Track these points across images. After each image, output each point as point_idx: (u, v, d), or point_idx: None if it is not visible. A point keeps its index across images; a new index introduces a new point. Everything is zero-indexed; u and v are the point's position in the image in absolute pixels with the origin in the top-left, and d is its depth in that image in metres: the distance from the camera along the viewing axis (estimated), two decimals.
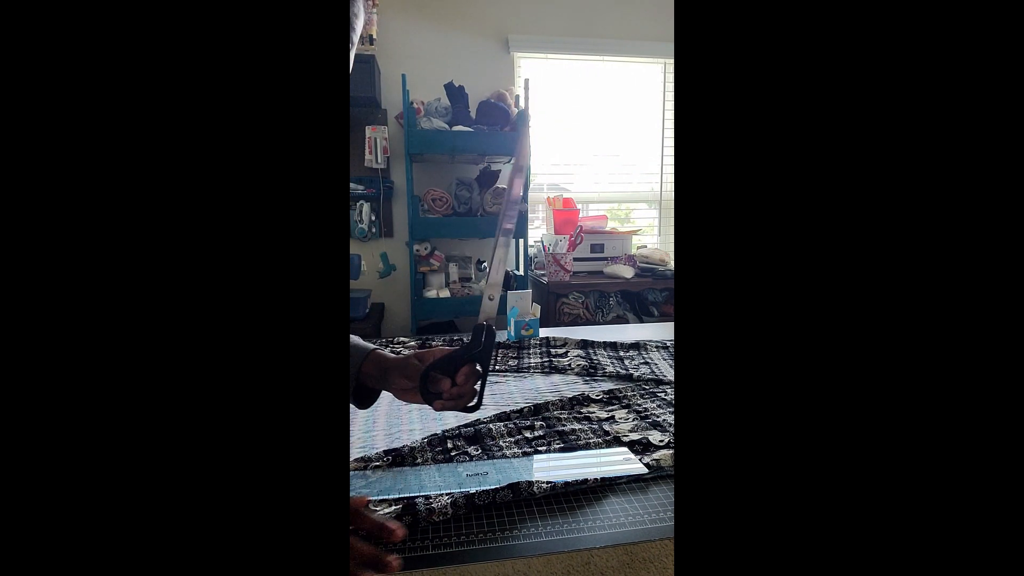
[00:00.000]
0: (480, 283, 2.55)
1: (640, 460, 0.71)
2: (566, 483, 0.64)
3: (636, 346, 1.29)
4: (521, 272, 2.58)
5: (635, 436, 0.78)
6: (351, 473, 0.66)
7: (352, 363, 0.71)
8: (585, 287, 2.59)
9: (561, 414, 0.88)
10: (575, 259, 2.64)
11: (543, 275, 2.67)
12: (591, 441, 0.78)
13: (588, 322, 2.52)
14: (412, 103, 2.34)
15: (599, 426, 0.83)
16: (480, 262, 2.70)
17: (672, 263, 2.83)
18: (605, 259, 2.74)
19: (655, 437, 0.77)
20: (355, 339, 0.74)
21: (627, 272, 2.62)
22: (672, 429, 0.81)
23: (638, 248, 2.85)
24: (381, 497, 0.60)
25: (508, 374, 1.13)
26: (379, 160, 2.57)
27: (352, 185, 2.58)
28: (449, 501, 0.59)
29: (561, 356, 1.23)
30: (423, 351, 0.68)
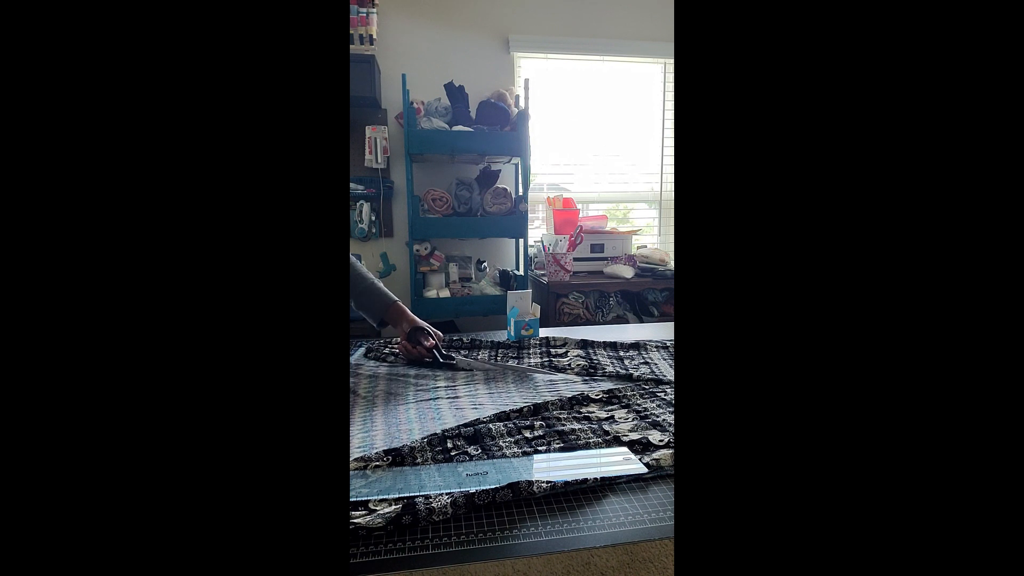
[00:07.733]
0: (480, 283, 2.55)
1: (640, 460, 0.71)
2: (566, 483, 0.64)
3: (636, 346, 1.29)
4: (521, 272, 2.58)
5: (635, 436, 0.78)
6: (351, 473, 0.66)
7: (382, 305, 1.19)
8: (585, 287, 2.59)
9: (561, 414, 0.88)
10: (575, 259, 2.64)
11: (543, 275, 2.67)
12: (591, 441, 0.78)
13: (588, 322, 2.52)
14: (412, 103, 2.34)
15: (599, 426, 0.83)
16: (480, 262, 2.70)
17: (672, 263, 2.83)
18: (605, 259, 2.74)
19: (655, 437, 0.77)
20: (380, 286, 1.21)
21: (627, 272, 2.62)
22: (672, 429, 0.81)
23: (638, 248, 2.85)
24: (381, 497, 0.60)
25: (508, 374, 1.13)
26: (379, 160, 2.57)
27: (352, 185, 2.58)
28: (449, 501, 0.59)
29: (561, 356, 1.23)
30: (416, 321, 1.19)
